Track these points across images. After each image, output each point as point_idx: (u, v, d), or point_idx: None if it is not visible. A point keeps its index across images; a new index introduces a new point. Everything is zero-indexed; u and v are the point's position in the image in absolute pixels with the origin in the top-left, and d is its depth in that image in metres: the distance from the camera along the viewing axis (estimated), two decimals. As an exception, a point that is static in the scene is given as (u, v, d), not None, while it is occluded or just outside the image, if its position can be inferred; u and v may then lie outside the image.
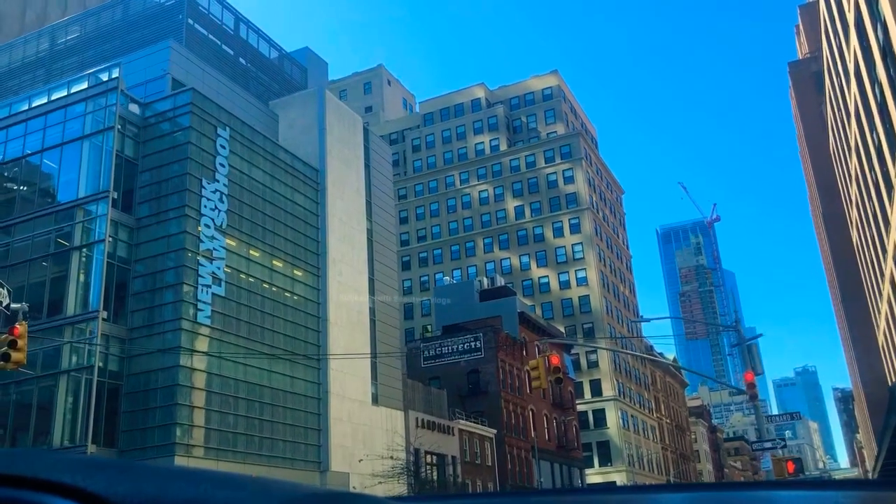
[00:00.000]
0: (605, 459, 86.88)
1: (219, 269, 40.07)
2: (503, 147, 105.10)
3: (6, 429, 37.13)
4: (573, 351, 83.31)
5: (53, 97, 41.86)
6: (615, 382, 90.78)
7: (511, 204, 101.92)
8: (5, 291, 19.51)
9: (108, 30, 53.15)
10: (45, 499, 1.06)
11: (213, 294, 39.27)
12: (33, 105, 42.10)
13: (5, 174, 42.73)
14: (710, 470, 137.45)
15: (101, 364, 36.00)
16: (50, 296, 37.84)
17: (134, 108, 41.53)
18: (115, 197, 38.10)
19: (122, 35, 51.74)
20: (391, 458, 46.44)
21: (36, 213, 39.33)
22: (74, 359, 36.53)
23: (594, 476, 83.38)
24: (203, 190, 40.14)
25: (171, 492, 1.07)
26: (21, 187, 42.23)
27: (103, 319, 35.91)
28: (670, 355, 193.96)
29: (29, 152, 40.76)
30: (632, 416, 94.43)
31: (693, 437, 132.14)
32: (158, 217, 39.48)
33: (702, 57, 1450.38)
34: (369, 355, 49.51)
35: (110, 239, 37.48)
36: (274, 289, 44.12)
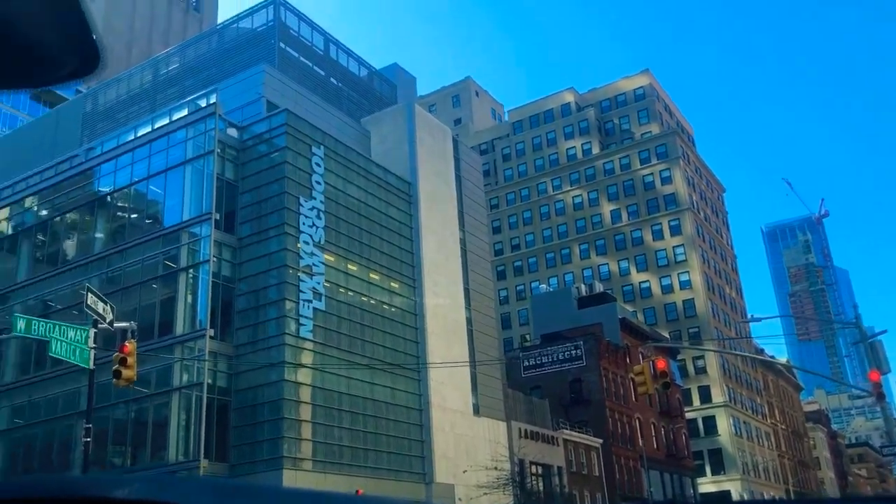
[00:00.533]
0: (718, 468, 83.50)
1: (318, 284, 40.75)
2: (595, 150, 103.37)
3: (125, 445, 38.75)
4: (679, 357, 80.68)
5: (157, 125, 43.74)
6: (725, 388, 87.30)
7: (607, 208, 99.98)
8: (109, 308, 20.27)
9: (206, 58, 55.28)
10: None
11: (314, 309, 39.93)
12: (139, 134, 44.09)
13: (116, 202, 44.89)
14: (833, 478, 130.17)
15: (210, 381, 37.10)
16: (161, 316, 39.35)
17: (232, 131, 42.88)
18: (218, 218, 39.32)
19: (219, 63, 53.68)
20: (495, 468, 45.92)
21: (144, 237, 41.06)
22: (185, 376, 37.79)
23: (707, 485, 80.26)
24: (301, 207, 40.96)
25: None
26: (130, 214, 44.26)
27: (210, 337, 37.01)
28: (782, 358, 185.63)
29: (136, 179, 42.66)
30: (744, 422, 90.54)
31: (812, 443, 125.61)
32: (259, 236, 40.52)
33: (800, 46, 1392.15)
34: (468, 362, 49.26)
35: (214, 259, 38.68)
36: (372, 301, 44.53)
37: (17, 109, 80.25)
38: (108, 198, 44.75)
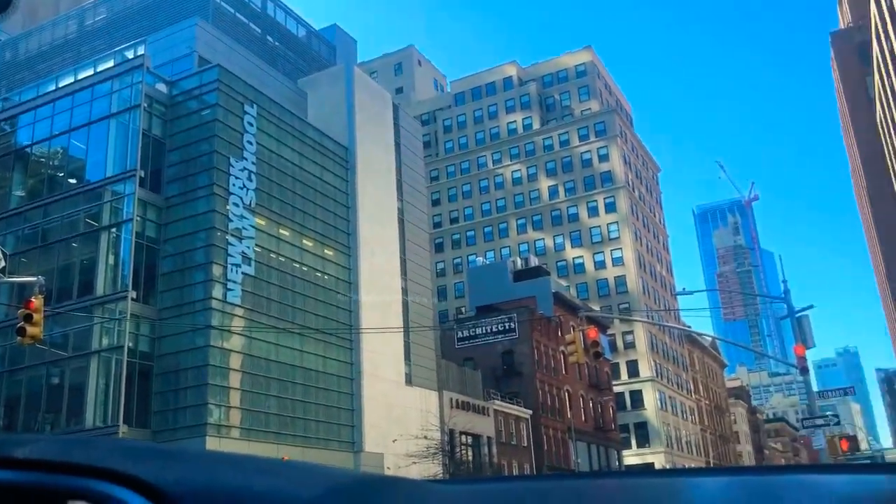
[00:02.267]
0: (643, 441, 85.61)
1: (248, 248, 39.61)
2: (536, 126, 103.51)
3: (39, 410, 37.14)
4: (609, 332, 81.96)
5: (80, 76, 41.60)
6: (652, 363, 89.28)
7: (545, 184, 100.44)
8: (1, 254, 18.98)
9: (136, 10, 52.84)
10: (98, 486, 1.10)
11: (242, 273, 38.84)
12: (60, 85, 41.87)
13: (35, 156, 42.65)
14: (750, 451, 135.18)
15: (131, 345, 35.79)
16: (80, 277, 37.73)
17: (161, 86, 41.10)
18: (143, 176, 37.74)
19: (150, 15, 51.37)
20: (425, 438, 45.82)
21: (64, 193, 39.16)
22: (105, 340, 36.37)
23: (631, 457, 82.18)
24: (231, 168, 39.64)
25: (219, 479, 1.12)
26: (50, 169, 42.13)
27: (133, 300, 35.64)
28: (709, 334, 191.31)
29: (57, 133, 40.56)
30: (670, 397, 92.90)
31: (732, 418, 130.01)
32: (186, 196, 39.08)
33: (738, 34, 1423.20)
34: (401, 328, 48.85)
35: (138, 218, 37.17)
36: (304, 268, 43.59)
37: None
38: (27, 151, 42.47)
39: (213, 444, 34.29)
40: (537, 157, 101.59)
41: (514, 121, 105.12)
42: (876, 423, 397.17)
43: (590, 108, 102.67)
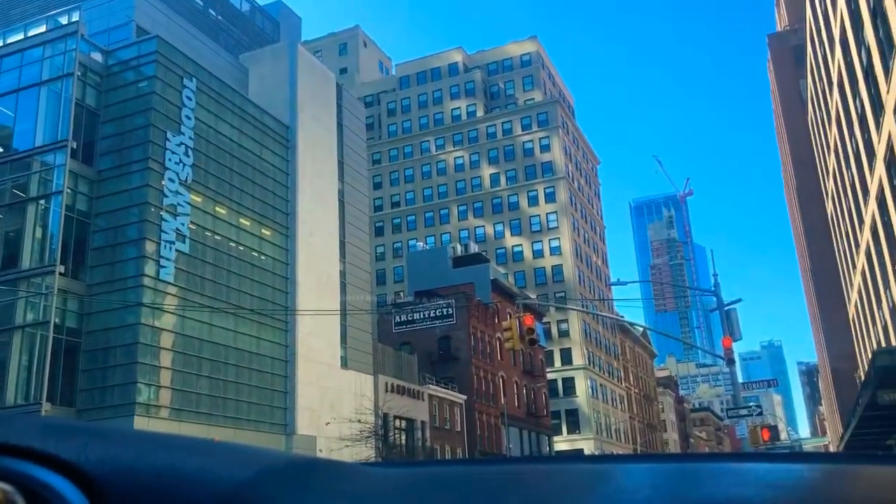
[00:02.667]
0: (574, 427, 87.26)
1: (183, 225, 38.76)
2: (480, 113, 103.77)
3: (-43, 386, 35.74)
4: (545, 320, 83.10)
5: (9, 41, 39.87)
6: (585, 351, 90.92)
7: (486, 171, 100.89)
8: None
9: (71, -26, 50.83)
10: (14, 465, 1.04)
11: (176, 251, 38.00)
12: (-13, 49, 40.08)
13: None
14: (676, 439, 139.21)
15: (57, 320, 34.71)
16: (5, 249, 36.35)
17: (96, 55, 39.71)
18: (75, 147, 36.50)
19: (86, -20, 49.49)
20: (359, 421, 45.81)
21: (-10, 162, 37.59)
22: (30, 315, 35.17)
23: (562, 443, 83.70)
24: (168, 143, 38.65)
25: (145, 458, 1.07)
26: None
27: (60, 274, 34.54)
28: (640, 328, 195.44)
29: (-18, 98, 38.84)
30: (601, 385, 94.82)
31: (660, 407, 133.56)
32: (120, 170, 37.96)
33: (681, 32, 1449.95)
34: (337, 311, 48.59)
35: (69, 191, 35.97)
36: (241, 248, 42.90)
37: None
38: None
39: (141, 423, 33.58)
40: (480, 144, 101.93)
41: (459, 107, 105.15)
42: (796, 414, 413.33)
43: (533, 98, 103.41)
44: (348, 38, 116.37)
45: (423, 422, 55.80)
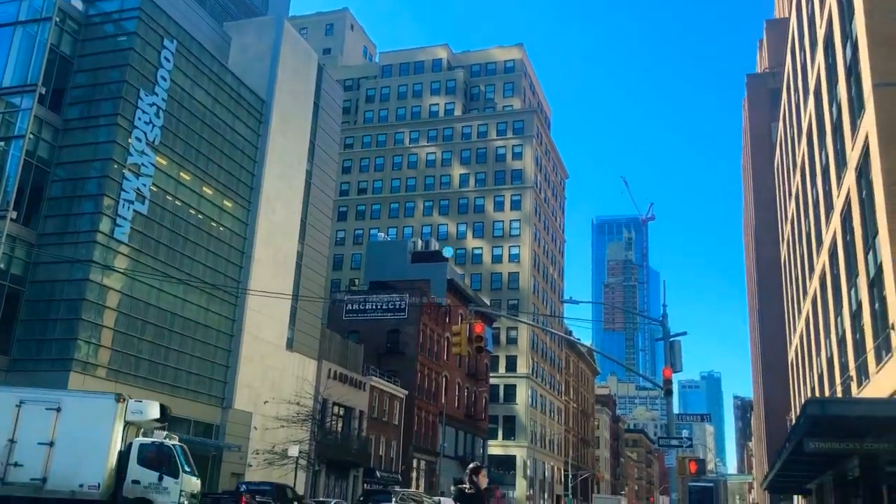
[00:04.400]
0: (510, 434, 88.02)
1: (144, 186, 38.17)
2: (458, 112, 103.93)
3: None
4: (495, 325, 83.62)
5: (-11, -25, 38.76)
6: (531, 361, 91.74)
7: (457, 171, 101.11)
8: None
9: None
10: None
11: (134, 211, 37.41)
12: (-36, -20, 38.90)
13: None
14: (608, 457, 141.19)
15: (2, 266, 33.95)
16: (-43, 186, 35.34)
17: (77, 3, 38.88)
18: (43, 93, 35.68)
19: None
20: (298, 404, 45.69)
21: (-47, 95, 36.51)
22: (-25, 256, 34.29)
23: (496, 448, 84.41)
24: (139, 101, 38.02)
25: None
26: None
27: (12, 219, 33.76)
28: (587, 342, 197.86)
29: (-47, 30, 37.71)
30: (541, 395, 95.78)
31: (596, 423, 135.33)
32: (88, 122, 37.24)
33: (665, 59, 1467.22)
34: (290, 295, 48.33)
35: (31, 136, 35.15)
36: (200, 216, 42.40)
37: None
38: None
39: (76, 380, 33.04)
40: (454, 143, 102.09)
41: (437, 104, 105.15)
42: (725, 446, 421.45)
43: (512, 105, 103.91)
44: (336, 20, 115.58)
45: (361, 411, 55.81)
